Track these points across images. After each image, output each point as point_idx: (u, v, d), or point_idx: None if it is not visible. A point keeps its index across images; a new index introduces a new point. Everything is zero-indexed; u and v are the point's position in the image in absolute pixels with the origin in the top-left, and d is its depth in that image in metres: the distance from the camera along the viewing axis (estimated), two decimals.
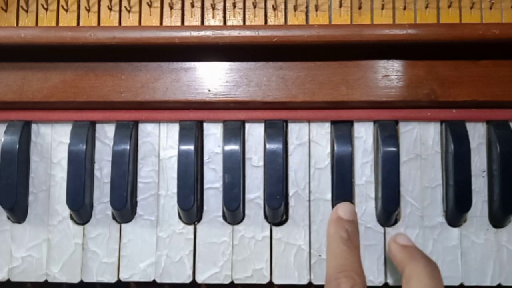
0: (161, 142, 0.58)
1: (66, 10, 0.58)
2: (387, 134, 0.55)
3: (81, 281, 0.56)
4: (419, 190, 0.56)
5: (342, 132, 0.56)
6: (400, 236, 0.52)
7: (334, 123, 0.57)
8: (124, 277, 0.56)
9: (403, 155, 0.56)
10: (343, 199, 0.54)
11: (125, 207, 0.55)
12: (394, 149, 0.54)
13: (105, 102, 0.56)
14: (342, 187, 0.55)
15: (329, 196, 0.56)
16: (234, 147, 0.55)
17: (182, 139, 0.56)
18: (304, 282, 0.55)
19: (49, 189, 0.57)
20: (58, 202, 0.57)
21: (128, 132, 0.56)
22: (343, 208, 0.53)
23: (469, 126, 0.56)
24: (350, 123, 0.57)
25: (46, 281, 0.56)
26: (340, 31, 0.52)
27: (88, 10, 0.58)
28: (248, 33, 0.53)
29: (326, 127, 0.57)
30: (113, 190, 0.55)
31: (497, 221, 0.55)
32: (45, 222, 0.57)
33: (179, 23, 0.58)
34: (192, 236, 0.56)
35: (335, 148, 0.55)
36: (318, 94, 0.55)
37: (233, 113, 0.57)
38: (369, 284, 0.55)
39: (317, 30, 0.52)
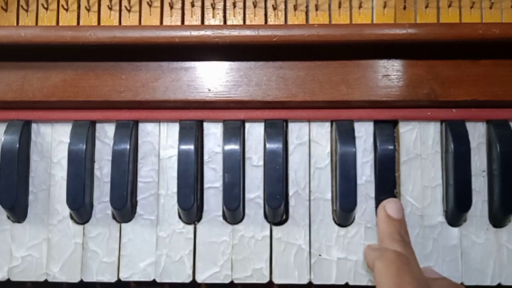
0: (161, 141, 0.58)
1: (66, 10, 0.58)
2: (385, 134, 0.55)
3: (81, 281, 0.56)
4: (419, 190, 0.56)
5: (345, 131, 0.55)
6: (391, 204, 0.52)
7: (336, 121, 0.57)
8: (124, 276, 0.56)
9: (403, 154, 0.56)
10: (347, 199, 0.54)
11: (125, 207, 0.55)
12: (391, 147, 0.54)
13: (105, 102, 0.56)
14: (346, 186, 0.54)
15: (329, 195, 0.56)
16: (234, 146, 0.55)
17: (182, 138, 0.56)
18: (304, 281, 0.55)
19: (49, 189, 0.57)
20: (58, 202, 0.57)
21: (128, 131, 0.56)
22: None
23: (469, 126, 0.56)
24: (351, 121, 0.57)
25: (46, 280, 0.56)
26: (340, 31, 0.52)
27: (88, 10, 0.58)
28: (248, 32, 0.53)
29: (326, 127, 0.57)
30: (113, 190, 0.55)
31: (497, 220, 0.55)
32: (45, 221, 0.57)
33: (179, 23, 0.58)
34: (192, 236, 0.56)
35: (339, 146, 0.55)
36: (318, 93, 0.55)
37: (233, 112, 0.57)
38: (369, 284, 0.55)
39: (317, 30, 0.52)
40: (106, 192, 0.56)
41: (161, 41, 0.53)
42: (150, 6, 0.58)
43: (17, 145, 0.55)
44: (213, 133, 0.57)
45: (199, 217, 0.57)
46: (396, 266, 0.45)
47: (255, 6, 0.58)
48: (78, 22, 0.58)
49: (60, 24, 0.58)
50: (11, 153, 0.55)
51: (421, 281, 0.46)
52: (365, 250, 0.53)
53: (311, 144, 0.57)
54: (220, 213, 0.56)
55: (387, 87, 0.55)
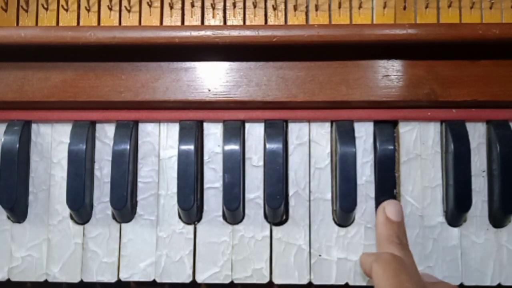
0: (161, 142, 0.58)
1: (66, 10, 0.58)
2: (385, 135, 0.55)
3: (81, 281, 0.56)
4: (419, 190, 0.56)
5: (345, 131, 0.55)
6: (391, 206, 0.52)
7: (336, 122, 0.57)
8: (124, 276, 0.56)
9: (403, 155, 0.56)
10: (347, 199, 0.54)
11: (125, 207, 0.55)
12: (391, 147, 0.54)
13: (105, 102, 0.56)
14: (346, 186, 0.54)
15: (329, 196, 0.56)
16: (234, 147, 0.55)
17: (182, 139, 0.56)
18: (304, 282, 0.55)
19: (49, 189, 0.57)
20: (58, 202, 0.57)
21: (128, 132, 0.56)
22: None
23: (469, 126, 0.56)
24: (351, 121, 0.57)
25: (46, 281, 0.56)
26: (340, 31, 0.52)
27: (88, 10, 0.58)
28: (248, 33, 0.53)
29: (326, 127, 0.57)
30: (113, 190, 0.55)
31: (497, 221, 0.55)
32: (45, 221, 0.57)
33: (179, 23, 0.58)
34: (192, 236, 0.56)
35: (339, 147, 0.55)
36: (318, 94, 0.55)
37: (233, 113, 0.57)
38: (369, 284, 0.55)
39: (317, 30, 0.52)
40: (106, 192, 0.56)
41: (161, 41, 0.53)
42: (150, 6, 0.58)
43: (17, 145, 0.55)
44: (213, 133, 0.57)
45: (199, 217, 0.57)
46: (393, 267, 0.46)
47: (255, 7, 0.58)
48: (78, 23, 0.58)
49: (60, 24, 0.58)
50: (11, 153, 0.55)
51: (419, 282, 0.46)
52: (360, 258, 0.53)
53: (311, 144, 0.57)
54: (220, 213, 0.56)
55: (387, 87, 0.55)
